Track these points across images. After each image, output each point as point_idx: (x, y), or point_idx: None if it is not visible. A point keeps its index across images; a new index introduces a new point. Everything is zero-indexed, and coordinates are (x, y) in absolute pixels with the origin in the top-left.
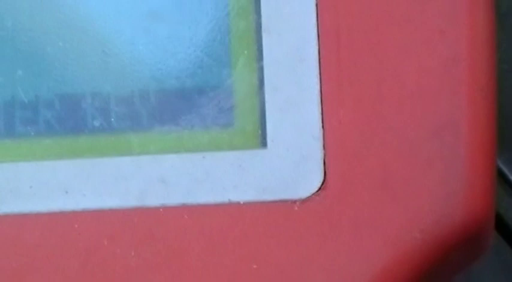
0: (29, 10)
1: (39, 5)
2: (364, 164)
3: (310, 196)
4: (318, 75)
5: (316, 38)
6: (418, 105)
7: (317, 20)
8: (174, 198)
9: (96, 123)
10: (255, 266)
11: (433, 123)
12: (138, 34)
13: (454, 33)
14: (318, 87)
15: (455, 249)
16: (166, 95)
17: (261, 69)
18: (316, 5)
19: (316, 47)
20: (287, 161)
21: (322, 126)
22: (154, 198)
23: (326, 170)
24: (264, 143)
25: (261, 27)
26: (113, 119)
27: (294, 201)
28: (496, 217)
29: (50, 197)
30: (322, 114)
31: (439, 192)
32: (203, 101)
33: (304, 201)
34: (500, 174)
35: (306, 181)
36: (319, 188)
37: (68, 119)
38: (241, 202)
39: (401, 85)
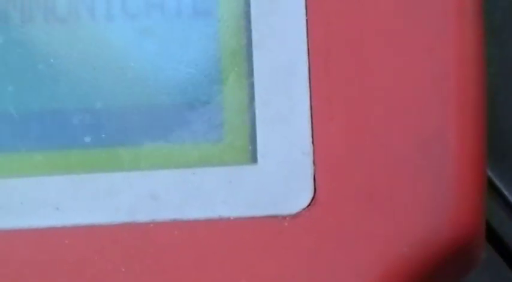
0: (21, 26)
1: (31, 20)
2: (353, 179)
3: (300, 211)
4: (308, 91)
5: (306, 53)
6: (405, 120)
7: (307, 36)
8: (165, 214)
9: (87, 139)
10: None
11: (420, 137)
12: (129, 50)
13: (443, 49)
14: (308, 102)
15: (444, 262)
16: (157, 110)
17: (251, 85)
18: (307, 21)
19: (306, 63)
20: (277, 176)
21: (312, 142)
22: (145, 214)
23: (316, 186)
24: (254, 159)
25: (251, 43)
26: (103, 135)
27: (284, 217)
28: (490, 230)
29: (40, 213)
30: (312, 129)
31: (427, 206)
32: (194, 116)
33: (294, 216)
34: (494, 188)
35: (296, 197)
36: (309, 204)
37: (59, 134)
38: (231, 217)
39: (389, 100)
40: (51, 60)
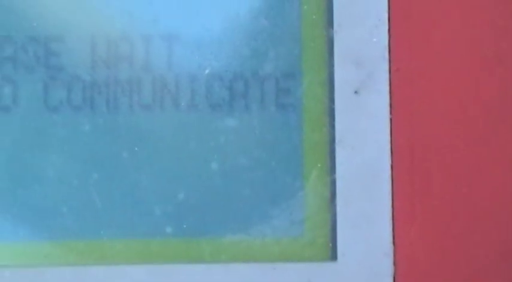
0: (107, 113)
1: (116, 108)
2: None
3: None
4: (390, 191)
5: (390, 153)
6: (490, 226)
7: (391, 135)
8: None
9: (168, 229)
10: None
11: (504, 245)
12: (213, 143)
13: None
14: (390, 202)
15: None
16: (239, 203)
17: (333, 182)
18: (391, 120)
19: (389, 163)
20: (357, 275)
21: (393, 243)
22: None
23: None
24: (334, 256)
25: (334, 140)
26: (185, 226)
27: None
28: None
29: None
30: (393, 230)
31: None
32: (275, 211)
33: None
34: None
35: None
36: None
37: (141, 223)
38: None
39: (473, 205)
40: (135, 149)
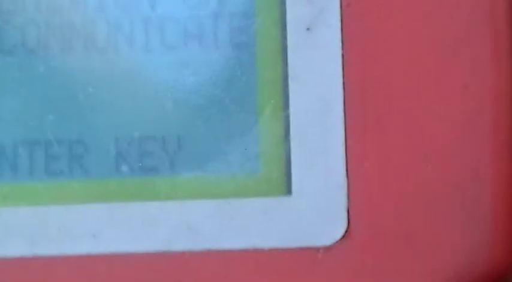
0: (61, 54)
1: (71, 50)
2: (388, 214)
3: (334, 244)
4: (344, 125)
5: (342, 88)
6: (441, 157)
7: (343, 70)
8: (200, 244)
9: (124, 168)
10: None
11: (456, 176)
12: (166, 82)
13: (478, 86)
14: (343, 136)
15: None
16: (194, 141)
17: (287, 118)
18: (343, 55)
19: (342, 97)
20: (311, 208)
21: (347, 175)
22: (181, 244)
23: (350, 218)
24: (289, 190)
25: (287, 76)
26: (140, 164)
27: (317, 249)
28: None
29: (77, 240)
30: (346, 163)
31: (461, 245)
32: (229, 147)
33: (327, 248)
34: None
35: (330, 228)
36: (343, 236)
37: (96, 163)
38: (266, 248)
39: (425, 138)
40: (90, 90)
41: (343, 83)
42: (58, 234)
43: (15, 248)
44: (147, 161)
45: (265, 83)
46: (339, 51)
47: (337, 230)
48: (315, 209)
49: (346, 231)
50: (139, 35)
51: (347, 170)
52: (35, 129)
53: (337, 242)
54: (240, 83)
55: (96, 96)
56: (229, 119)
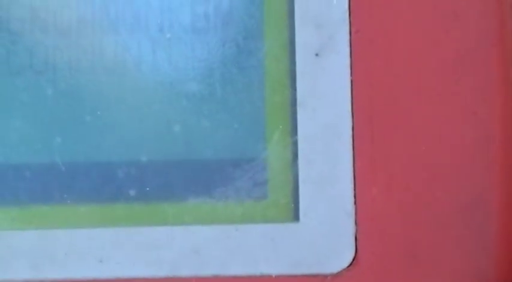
0: (69, 76)
1: (78, 71)
2: (395, 240)
3: (342, 271)
4: (352, 151)
5: (351, 114)
6: (449, 182)
7: (352, 97)
8: (207, 269)
9: (132, 192)
10: None
11: (464, 200)
12: (176, 108)
13: (487, 112)
14: (351, 162)
15: None
16: (202, 166)
17: (295, 144)
18: (351, 81)
19: (350, 123)
20: (319, 235)
21: (355, 202)
22: (187, 269)
23: (357, 245)
24: (296, 217)
25: (296, 102)
26: (148, 189)
27: (325, 276)
28: None
29: (84, 265)
30: (354, 189)
31: (467, 268)
32: (238, 173)
33: (335, 275)
34: None
35: (337, 256)
36: (351, 263)
37: (104, 187)
38: (273, 275)
39: (433, 163)
40: (98, 113)
41: (352, 109)
42: (64, 258)
43: (20, 271)
44: (155, 185)
45: (274, 108)
46: (348, 78)
47: (345, 257)
48: (322, 235)
49: (353, 258)
50: (147, 57)
51: (355, 197)
52: (42, 151)
53: (344, 269)
54: (248, 108)
55: (104, 119)
56: (237, 145)
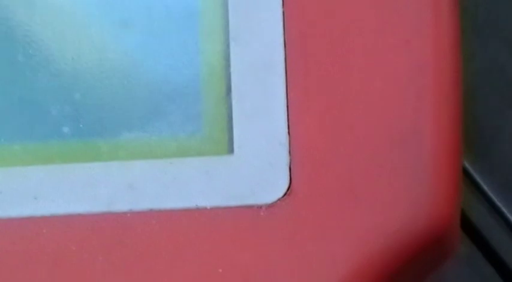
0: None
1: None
2: (330, 170)
3: (276, 201)
4: (285, 83)
5: (283, 46)
6: (383, 113)
7: (284, 28)
8: (142, 204)
9: (65, 130)
10: (220, 270)
11: (398, 131)
12: (108, 42)
13: (419, 42)
14: (284, 94)
15: (420, 253)
16: (135, 102)
17: (228, 77)
18: (283, 13)
19: (283, 55)
20: (253, 166)
21: (289, 133)
22: (123, 204)
23: (292, 176)
24: (231, 149)
25: (228, 35)
26: (81, 126)
27: (259, 207)
28: (469, 225)
29: (19, 203)
30: (288, 121)
31: (403, 198)
32: (171, 107)
33: (270, 206)
34: (474, 183)
35: (271, 186)
36: (285, 194)
37: (37, 125)
38: (208, 207)
39: (366, 93)
40: (30, 52)
41: (284, 41)
42: None
43: None
44: (89, 122)
45: (206, 42)
46: (280, 9)
47: (279, 187)
48: (256, 167)
49: (288, 189)
50: None
51: (289, 128)
52: None
53: (279, 199)
54: (181, 42)
55: (37, 57)
56: (170, 80)
